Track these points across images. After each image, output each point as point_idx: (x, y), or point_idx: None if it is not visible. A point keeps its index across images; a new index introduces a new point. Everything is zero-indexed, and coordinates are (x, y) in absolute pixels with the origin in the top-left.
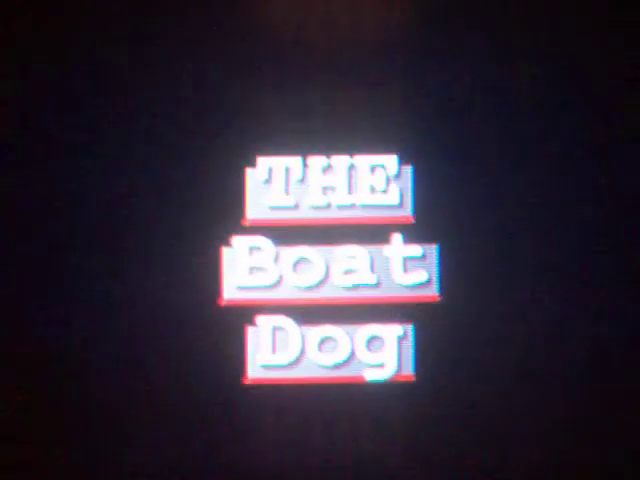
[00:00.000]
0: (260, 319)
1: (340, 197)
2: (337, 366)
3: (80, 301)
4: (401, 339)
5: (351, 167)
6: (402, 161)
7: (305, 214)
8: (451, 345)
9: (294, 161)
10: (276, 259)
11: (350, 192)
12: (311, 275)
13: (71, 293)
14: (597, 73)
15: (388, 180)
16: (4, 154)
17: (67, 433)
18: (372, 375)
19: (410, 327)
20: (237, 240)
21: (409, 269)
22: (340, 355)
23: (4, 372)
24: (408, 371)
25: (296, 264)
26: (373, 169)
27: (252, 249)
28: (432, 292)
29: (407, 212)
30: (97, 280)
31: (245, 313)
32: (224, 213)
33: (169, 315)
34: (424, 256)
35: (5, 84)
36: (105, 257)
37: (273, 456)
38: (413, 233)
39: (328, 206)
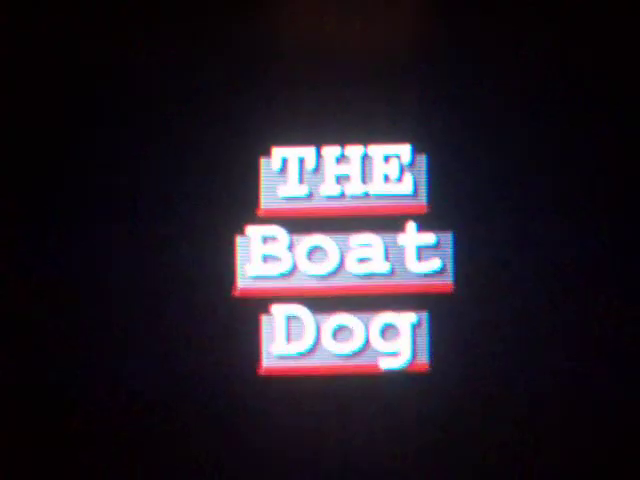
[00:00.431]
0: (274, 308)
1: (354, 186)
2: (352, 355)
3: (90, 291)
4: (415, 327)
5: (365, 157)
6: (416, 150)
7: (319, 204)
8: (466, 334)
9: (308, 151)
10: (290, 248)
11: (364, 181)
12: (325, 264)
13: (82, 281)
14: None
15: (402, 169)
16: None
17: (79, 414)
18: (387, 364)
19: (425, 315)
20: (251, 230)
21: (423, 258)
22: (355, 344)
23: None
24: (423, 360)
25: (310, 253)
26: (387, 158)
27: (266, 238)
28: (446, 280)
29: (421, 201)
30: (109, 268)
31: (259, 302)
32: (238, 203)
33: (182, 305)
34: (438, 244)
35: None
36: (117, 246)
37: (288, 446)
38: (427, 222)
39: (342, 196)
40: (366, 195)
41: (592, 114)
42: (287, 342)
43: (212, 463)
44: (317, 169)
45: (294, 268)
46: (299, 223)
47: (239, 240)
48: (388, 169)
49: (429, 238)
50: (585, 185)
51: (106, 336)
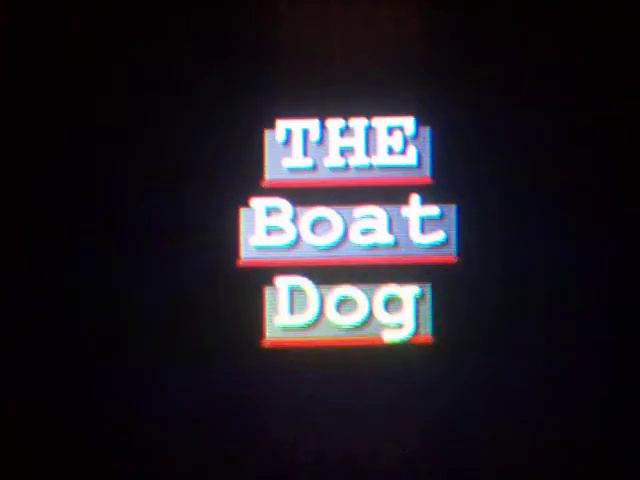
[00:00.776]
0: (278, 280)
1: (358, 158)
2: (355, 327)
3: (99, 262)
4: (419, 300)
5: (369, 129)
6: (420, 122)
7: (323, 175)
8: (468, 305)
9: (312, 123)
10: (294, 220)
11: (368, 153)
12: (329, 235)
13: (89, 253)
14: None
15: (406, 141)
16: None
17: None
18: (390, 336)
19: (428, 287)
20: (255, 201)
21: (427, 229)
22: (358, 316)
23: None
24: (426, 332)
25: (314, 225)
26: (391, 130)
27: (270, 210)
28: (450, 252)
29: (425, 173)
30: (116, 240)
31: (263, 274)
32: (243, 175)
33: (187, 276)
34: (442, 216)
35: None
36: (123, 219)
37: (291, 417)
38: (431, 194)
39: (346, 168)
40: (370, 167)
41: (594, 87)
42: (290, 314)
43: (215, 433)
44: (321, 141)
45: (298, 240)
46: (303, 195)
47: (243, 212)
48: (392, 141)
49: (433, 210)
50: (588, 157)
51: (111, 304)
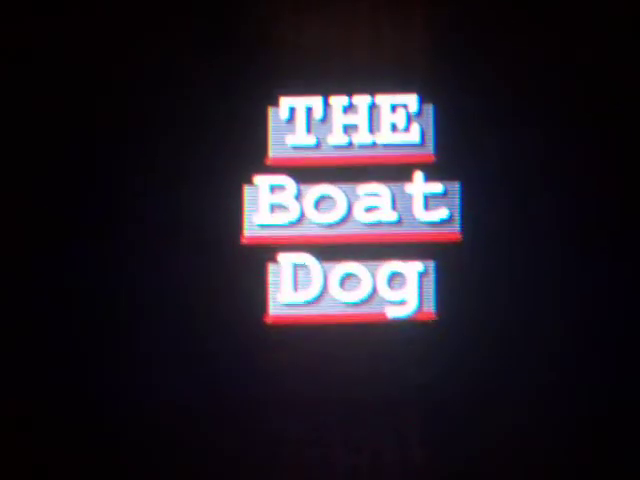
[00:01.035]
0: (282, 257)
1: (362, 136)
2: (359, 303)
3: (106, 240)
4: (422, 276)
5: (372, 106)
6: (423, 100)
7: (327, 153)
8: (472, 283)
9: (316, 100)
10: (298, 197)
11: (372, 131)
12: (333, 213)
13: (93, 232)
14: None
15: (409, 119)
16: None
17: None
18: (393, 312)
19: (431, 264)
20: (259, 179)
21: (430, 207)
22: (362, 292)
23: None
24: (429, 308)
25: (318, 202)
26: (394, 108)
27: (274, 187)
28: (454, 230)
29: (429, 150)
30: (119, 219)
31: (267, 251)
32: (246, 152)
33: (190, 253)
34: (445, 194)
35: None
36: (127, 197)
37: (294, 393)
38: (434, 171)
39: (350, 145)
40: (374, 145)
41: (598, 68)
42: (294, 290)
43: (218, 408)
44: (325, 119)
45: (302, 217)
46: (307, 172)
47: (247, 189)
48: (395, 119)
49: (436, 187)
50: (592, 134)
51: (111, 303)
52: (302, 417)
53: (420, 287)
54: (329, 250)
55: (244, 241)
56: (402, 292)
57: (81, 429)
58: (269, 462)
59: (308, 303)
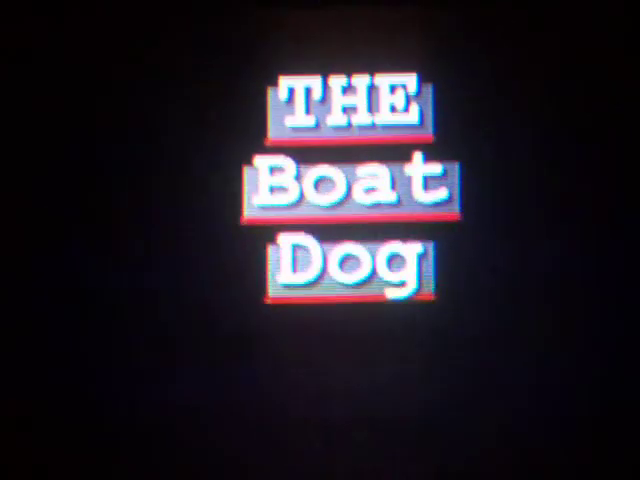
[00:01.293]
0: (281, 238)
1: (361, 117)
2: (358, 284)
3: (107, 224)
4: (422, 257)
5: (371, 86)
6: (423, 80)
7: (326, 134)
8: (471, 264)
9: (315, 81)
10: (297, 178)
11: (371, 111)
12: (332, 194)
13: (97, 215)
14: None
15: (408, 99)
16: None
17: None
18: (393, 293)
19: (431, 245)
20: (259, 160)
21: (430, 187)
22: (361, 273)
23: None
24: (429, 289)
25: (317, 183)
26: (393, 88)
27: (273, 168)
28: (453, 210)
29: (428, 131)
30: (121, 199)
31: (266, 232)
32: (246, 133)
33: (189, 234)
34: (445, 174)
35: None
36: (128, 178)
37: (293, 375)
38: (434, 152)
39: (349, 126)
40: (373, 125)
41: (602, 56)
42: (293, 271)
43: (218, 388)
44: (324, 99)
45: (301, 198)
46: (306, 153)
47: (246, 170)
48: (395, 99)
49: (436, 168)
50: (591, 117)
51: (112, 302)
52: (302, 397)
53: (419, 268)
54: (328, 231)
55: (243, 222)
56: (401, 273)
57: (81, 429)
58: (269, 443)
59: (308, 284)
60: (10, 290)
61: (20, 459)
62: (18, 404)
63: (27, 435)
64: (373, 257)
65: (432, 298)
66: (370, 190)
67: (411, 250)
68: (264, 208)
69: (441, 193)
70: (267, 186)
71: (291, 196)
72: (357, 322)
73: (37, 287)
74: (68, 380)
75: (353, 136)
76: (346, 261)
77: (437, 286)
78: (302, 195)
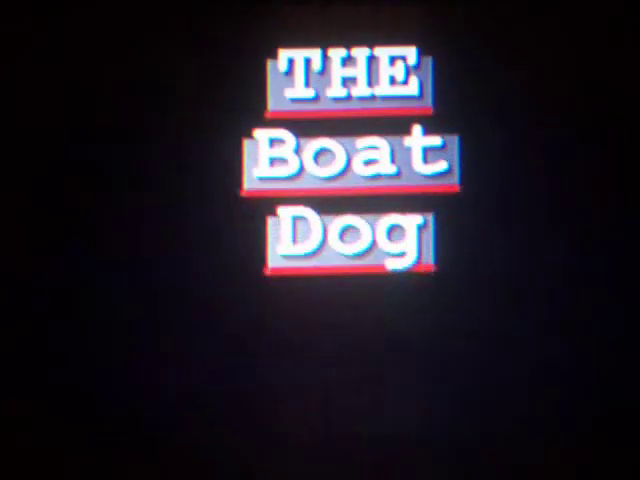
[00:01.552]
0: (281, 210)
1: (360, 89)
2: (358, 256)
3: (106, 197)
4: (421, 229)
5: (371, 59)
6: (422, 52)
7: (326, 106)
8: (471, 235)
9: (314, 53)
10: (297, 150)
11: (370, 84)
12: (332, 166)
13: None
14: None
15: (408, 71)
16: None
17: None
18: (393, 264)
19: (430, 217)
20: (258, 132)
21: (429, 159)
22: (361, 245)
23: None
24: (428, 261)
25: (317, 155)
26: (393, 60)
27: (273, 141)
28: (452, 182)
29: (427, 103)
30: (120, 171)
31: (266, 204)
32: (245, 106)
33: (189, 206)
34: (444, 146)
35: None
36: (127, 151)
37: (294, 345)
38: (433, 124)
39: (348, 98)
40: (372, 97)
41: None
42: (293, 243)
43: (217, 360)
44: (323, 71)
45: (301, 170)
46: (306, 126)
47: (246, 142)
48: (394, 71)
49: (435, 140)
50: (592, 87)
51: (111, 300)
52: (302, 368)
53: (419, 239)
54: (328, 203)
55: (244, 194)
56: (401, 244)
57: (81, 429)
58: (269, 415)
59: (307, 255)
60: (10, 290)
61: (20, 459)
62: (18, 404)
63: (27, 435)
64: (373, 228)
65: (432, 268)
66: (370, 162)
67: (411, 221)
68: (264, 180)
69: (441, 165)
70: (267, 158)
71: (291, 168)
72: (357, 292)
73: (37, 287)
74: (68, 380)
75: (353, 108)
76: (346, 232)
77: (437, 257)
78: (302, 167)
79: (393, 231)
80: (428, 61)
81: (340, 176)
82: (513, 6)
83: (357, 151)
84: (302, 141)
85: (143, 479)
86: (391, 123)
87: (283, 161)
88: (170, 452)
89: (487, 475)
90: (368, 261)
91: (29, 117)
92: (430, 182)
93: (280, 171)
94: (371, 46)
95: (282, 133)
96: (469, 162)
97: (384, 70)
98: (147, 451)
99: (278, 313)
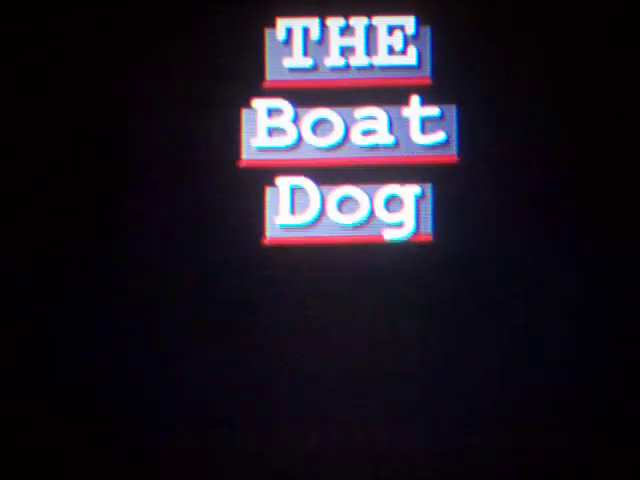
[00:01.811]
0: (279, 180)
1: (359, 58)
2: (356, 226)
3: (107, 173)
4: (419, 199)
5: (369, 28)
6: (420, 22)
7: (324, 76)
8: (469, 205)
9: (312, 22)
10: (295, 121)
11: (368, 53)
12: (330, 136)
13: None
14: None
15: (406, 41)
16: None
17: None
18: (391, 235)
19: (429, 187)
20: (256, 102)
21: (428, 130)
22: (359, 215)
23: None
24: (426, 231)
25: (315, 125)
26: (391, 30)
27: (271, 111)
28: (451, 153)
29: (425, 73)
30: (120, 145)
31: (264, 174)
32: (244, 75)
33: (188, 176)
34: (442, 117)
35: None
36: (127, 122)
37: (291, 315)
38: (431, 94)
39: (347, 67)
40: (370, 67)
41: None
42: (291, 213)
43: (216, 331)
44: (321, 40)
45: (299, 140)
46: (304, 96)
47: (244, 113)
48: (392, 41)
49: (433, 110)
50: (592, 54)
51: (112, 300)
52: (301, 338)
53: (417, 210)
54: (327, 173)
55: (242, 164)
56: (399, 215)
57: (81, 429)
58: (270, 389)
59: (306, 225)
60: (10, 290)
61: (20, 459)
62: (18, 404)
63: (27, 435)
64: (371, 199)
65: (430, 239)
66: (368, 132)
67: (409, 192)
68: (262, 150)
69: (439, 135)
70: (265, 128)
71: (289, 138)
72: (355, 262)
73: (38, 287)
74: (68, 380)
75: (351, 78)
76: (344, 203)
77: (435, 227)
78: (300, 137)
79: (391, 201)
80: (426, 31)
81: (338, 146)
82: None
83: (355, 121)
84: (300, 111)
85: (143, 479)
86: (389, 93)
87: (281, 131)
88: (170, 452)
89: (487, 475)
90: (366, 231)
91: (29, 117)
92: (428, 152)
93: (278, 141)
94: (369, 15)
95: (280, 103)
96: (467, 133)
97: (382, 40)
98: (147, 451)
99: (276, 283)
